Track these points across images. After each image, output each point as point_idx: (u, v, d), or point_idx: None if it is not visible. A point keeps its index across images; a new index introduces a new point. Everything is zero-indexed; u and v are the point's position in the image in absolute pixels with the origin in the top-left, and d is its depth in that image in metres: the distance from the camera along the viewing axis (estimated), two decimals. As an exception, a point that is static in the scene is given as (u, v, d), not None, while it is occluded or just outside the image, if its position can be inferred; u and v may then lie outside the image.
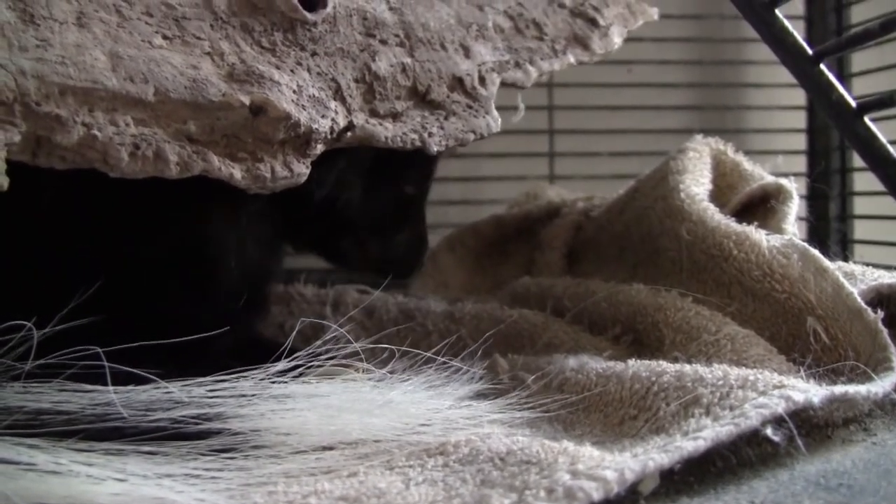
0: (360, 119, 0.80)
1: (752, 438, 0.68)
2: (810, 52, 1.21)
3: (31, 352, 0.68)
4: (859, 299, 0.87)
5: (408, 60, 0.85)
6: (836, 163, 1.75)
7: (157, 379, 0.70)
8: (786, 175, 1.15)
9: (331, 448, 0.69)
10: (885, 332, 0.84)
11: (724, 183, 1.18)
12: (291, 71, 0.77)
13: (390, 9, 0.86)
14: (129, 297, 0.82)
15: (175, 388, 0.70)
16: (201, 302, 0.89)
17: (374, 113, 0.82)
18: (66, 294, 0.74)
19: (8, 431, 0.64)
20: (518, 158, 1.78)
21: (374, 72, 0.82)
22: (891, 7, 1.22)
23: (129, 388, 0.69)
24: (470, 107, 0.89)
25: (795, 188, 1.12)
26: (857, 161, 1.47)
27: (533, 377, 0.87)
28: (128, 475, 0.61)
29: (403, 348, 0.82)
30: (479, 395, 0.79)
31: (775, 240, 0.95)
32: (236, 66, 0.74)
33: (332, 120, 0.78)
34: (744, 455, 0.69)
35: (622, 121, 1.79)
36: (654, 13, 1.13)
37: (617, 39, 1.05)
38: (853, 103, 1.19)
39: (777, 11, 1.22)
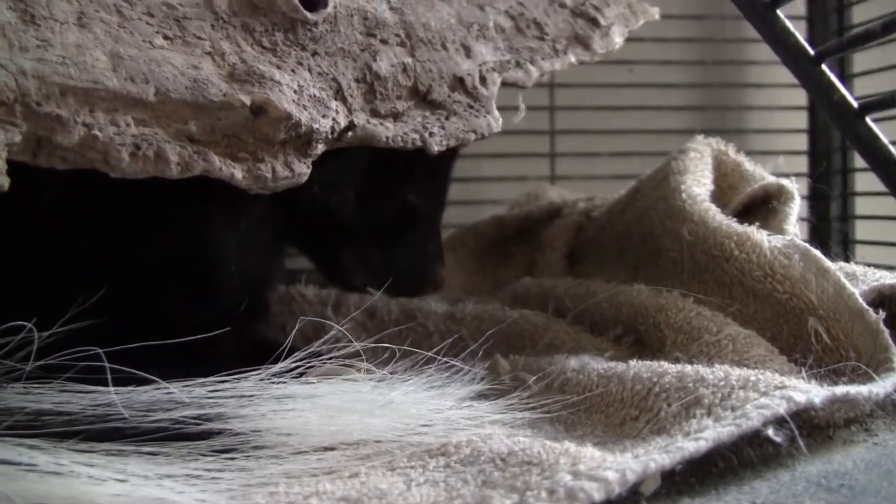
0: (361, 119, 0.80)
1: (754, 439, 0.68)
2: (812, 52, 1.22)
3: (32, 353, 0.68)
4: (861, 300, 0.87)
5: (409, 60, 0.85)
6: (838, 163, 1.75)
7: (157, 379, 0.70)
8: (787, 175, 1.15)
9: (332, 448, 0.69)
10: (886, 332, 0.84)
11: (726, 183, 1.18)
12: (292, 71, 0.77)
13: (391, 8, 0.86)
14: (129, 299, 0.82)
15: (176, 389, 0.70)
16: (202, 304, 0.89)
17: (375, 113, 0.82)
18: (68, 295, 0.74)
19: (9, 432, 0.64)
20: (519, 159, 1.78)
21: (374, 72, 0.82)
22: (892, 7, 1.22)
23: (130, 388, 0.69)
24: (471, 106, 0.89)
25: (797, 189, 1.12)
26: (859, 161, 1.47)
27: (534, 378, 0.87)
28: (129, 476, 0.61)
29: (405, 348, 0.82)
30: (481, 396, 0.79)
31: (777, 240, 0.95)
32: (237, 66, 0.74)
33: (333, 120, 0.78)
34: (745, 456, 0.69)
35: (623, 121, 1.79)
36: (655, 13, 1.13)
37: (618, 39, 1.05)
38: (854, 104, 1.19)
39: (778, 12, 1.22)
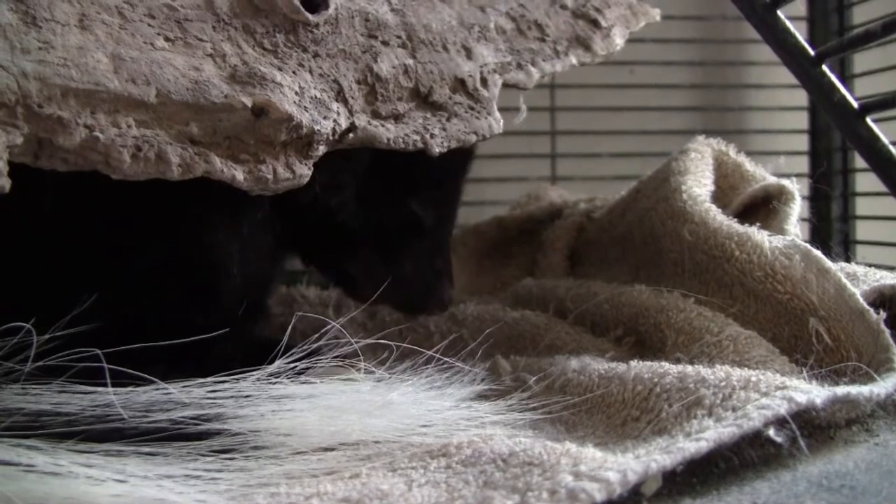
0: (362, 120, 0.80)
1: (755, 439, 0.68)
2: (812, 53, 1.22)
3: (31, 354, 0.68)
4: (861, 300, 0.87)
5: (410, 62, 0.85)
6: (838, 164, 1.75)
7: (156, 380, 0.70)
8: (788, 176, 1.15)
9: (331, 449, 0.69)
10: (887, 332, 0.84)
11: (727, 184, 1.18)
12: (293, 72, 0.77)
13: (392, 10, 0.86)
14: (128, 300, 0.82)
15: (175, 390, 0.70)
16: (201, 306, 0.89)
17: (376, 114, 0.82)
18: (68, 297, 0.74)
19: (8, 433, 0.64)
20: (520, 160, 1.78)
21: (376, 73, 0.82)
22: (893, 8, 1.22)
23: (129, 389, 0.69)
24: (472, 108, 0.88)
25: (797, 189, 1.12)
26: (859, 162, 1.47)
27: (535, 378, 0.87)
28: (128, 476, 0.62)
29: (403, 345, 0.82)
30: (481, 397, 0.79)
31: (777, 241, 0.95)
32: (238, 67, 0.74)
33: (334, 121, 0.78)
34: (746, 456, 0.69)
35: (624, 122, 1.79)
36: (656, 14, 1.13)
37: (619, 40, 1.05)
38: (855, 104, 1.19)
39: (779, 12, 1.22)
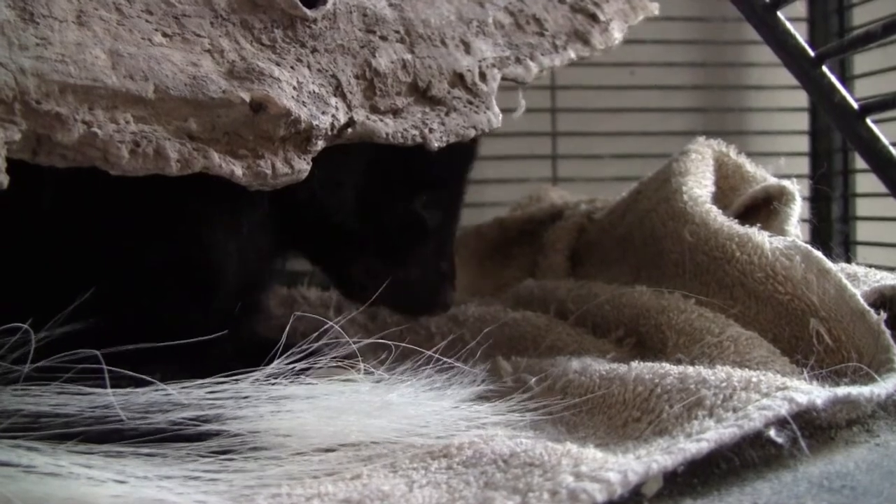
0: (360, 115, 0.80)
1: (756, 440, 0.68)
2: (812, 54, 1.21)
3: (30, 355, 0.68)
4: (862, 301, 0.86)
5: (408, 56, 0.85)
6: (839, 164, 1.75)
7: (155, 381, 0.70)
8: (788, 177, 1.14)
9: (331, 450, 0.69)
10: (887, 333, 0.84)
11: (727, 185, 1.18)
12: (292, 67, 0.77)
13: (390, 5, 0.86)
14: (122, 299, 0.82)
15: (174, 391, 0.70)
16: (196, 306, 0.89)
17: (374, 109, 0.82)
18: (65, 296, 0.74)
19: (7, 434, 0.64)
20: (521, 161, 1.78)
21: (374, 68, 0.82)
22: (893, 9, 1.22)
23: (128, 390, 0.69)
24: (471, 102, 0.88)
25: (798, 190, 1.12)
26: (860, 163, 1.47)
27: (536, 379, 0.87)
28: (128, 477, 0.61)
29: (403, 345, 0.82)
30: (482, 398, 0.79)
31: (778, 242, 0.95)
32: (236, 63, 0.73)
33: (333, 116, 0.78)
34: (747, 457, 0.68)
35: (625, 123, 1.79)
36: (655, 8, 1.12)
37: (617, 35, 1.04)
38: (855, 105, 1.19)
39: (779, 13, 1.22)
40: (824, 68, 1.21)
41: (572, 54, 0.99)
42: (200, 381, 0.71)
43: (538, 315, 1.08)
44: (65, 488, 0.60)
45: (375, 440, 0.70)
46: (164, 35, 0.72)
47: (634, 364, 0.81)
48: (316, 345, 0.78)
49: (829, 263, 0.90)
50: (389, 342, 0.84)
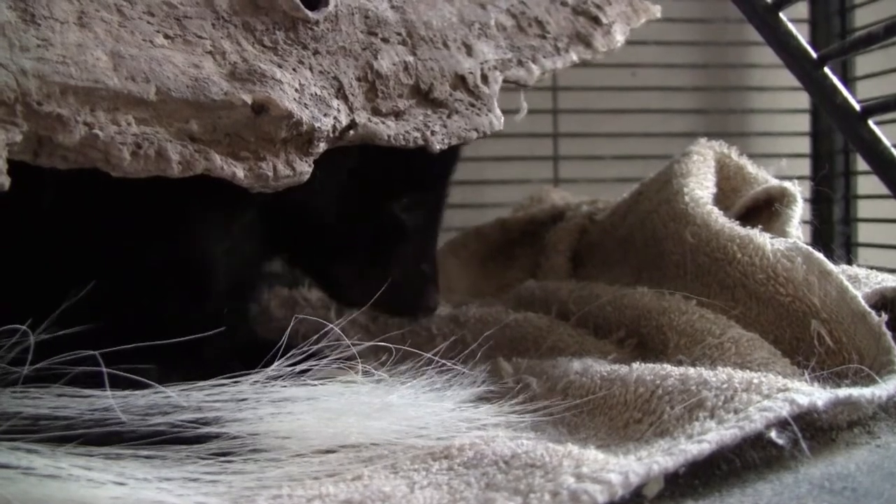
0: (362, 117, 0.80)
1: (757, 442, 0.68)
2: (814, 55, 1.22)
3: (29, 356, 0.68)
4: (863, 302, 0.86)
5: (410, 59, 0.85)
6: (840, 166, 1.75)
7: (153, 384, 0.69)
8: (790, 178, 1.14)
9: (331, 451, 0.69)
10: (889, 335, 0.84)
11: (729, 186, 1.18)
12: (293, 69, 0.76)
13: (392, 7, 0.86)
14: (115, 300, 0.82)
15: (173, 393, 0.70)
16: (188, 306, 0.89)
17: (376, 111, 0.82)
18: (50, 297, 0.74)
19: (6, 436, 0.64)
20: (522, 162, 1.79)
21: (376, 70, 0.82)
22: (895, 10, 1.22)
23: (127, 392, 0.69)
24: (472, 105, 0.88)
25: (799, 191, 1.11)
26: (861, 164, 1.47)
27: (537, 380, 0.87)
28: (127, 479, 0.61)
29: (403, 348, 0.82)
30: (483, 399, 0.79)
31: (779, 243, 0.95)
32: (238, 65, 0.73)
33: (335, 118, 0.78)
34: (748, 458, 0.68)
35: (626, 124, 1.80)
36: (657, 11, 1.12)
37: (619, 37, 1.04)
38: (857, 106, 1.19)
39: (781, 15, 1.23)
40: (826, 70, 1.21)
41: (574, 56, 0.99)
42: (200, 384, 0.71)
43: (539, 316, 1.08)
44: (64, 490, 0.60)
45: (375, 442, 0.70)
46: (166, 37, 0.71)
47: (636, 365, 0.81)
48: (316, 347, 0.78)
49: (830, 265, 0.90)
50: (390, 344, 0.84)
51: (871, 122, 1.18)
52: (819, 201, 1.70)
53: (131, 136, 0.67)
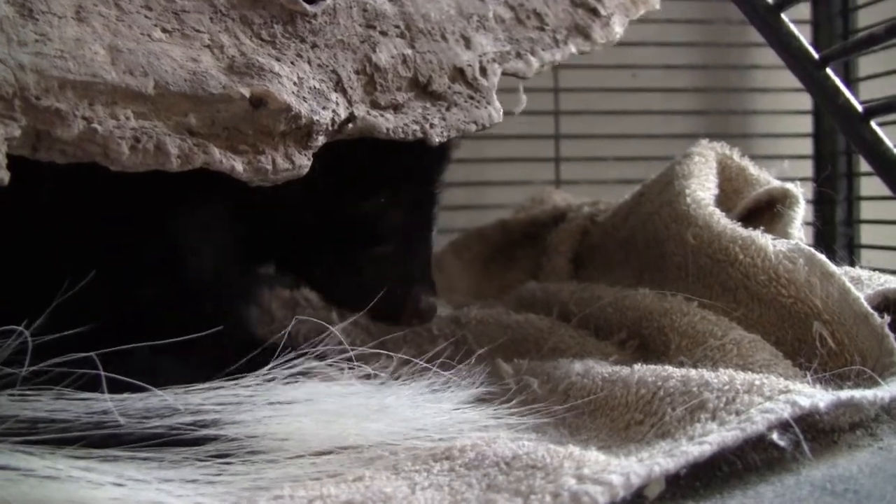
0: (361, 110, 0.80)
1: (758, 443, 0.68)
2: (816, 56, 1.21)
3: (28, 357, 0.67)
4: (866, 304, 0.86)
5: (408, 52, 0.85)
6: (843, 167, 1.75)
7: (151, 388, 0.69)
8: (792, 180, 1.14)
9: (329, 452, 0.69)
10: (891, 336, 0.84)
11: (730, 188, 1.18)
12: (292, 63, 0.77)
13: (390, 0, 0.86)
14: (106, 297, 0.81)
15: (170, 396, 0.69)
16: (177, 306, 0.88)
17: (375, 104, 0.82)
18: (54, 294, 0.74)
19: (5, 438, 0.64)
20: (524, 163, 1.79)
21: (374, 63, 0.82)
22: (898, 11, 1.22)
23: (125, 395, 0.68)
24: (471, 97, 0.88)
25: (802, 193, 1.11)
26: (864, 165, 1.46)
27: (539, 382, 0.87)
28: (126, 480, 0.61)
29: (401, 354, 0.82)
30: (483, 400, 0.79)
31: (781, 244, 0.95)
32: (236, 58, 0.73)
33: (334, 111, 0.78)
34: (750, 460, 0.68)
35: (628, 125, 1.80)
36: (656, 2, 1.12)
37: (618, 29, 1.04)
38: (859, 107, 1.19)
39: (783, 16, 1.22)
40: (828, 71, 1.21)
41: (573, 49, 0.99)
42: (197, 386, 0.71)
43: (541, 317, 1.08)
44: (63, 491, 0.60)
45: (373, 443, 0.70)
46: (164, 31, 0.72)
47: (637, 367, 0.81)
48: (315, 349, 0.78)
49: (832, 267, 0.90)
50: (394, 346, 0.84)
51: (873, 124, 1.17)
52: (821, 203, 1.70)
53: (130, 130, 0.67)
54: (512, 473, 0.63)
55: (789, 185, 1.12)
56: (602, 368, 0.85)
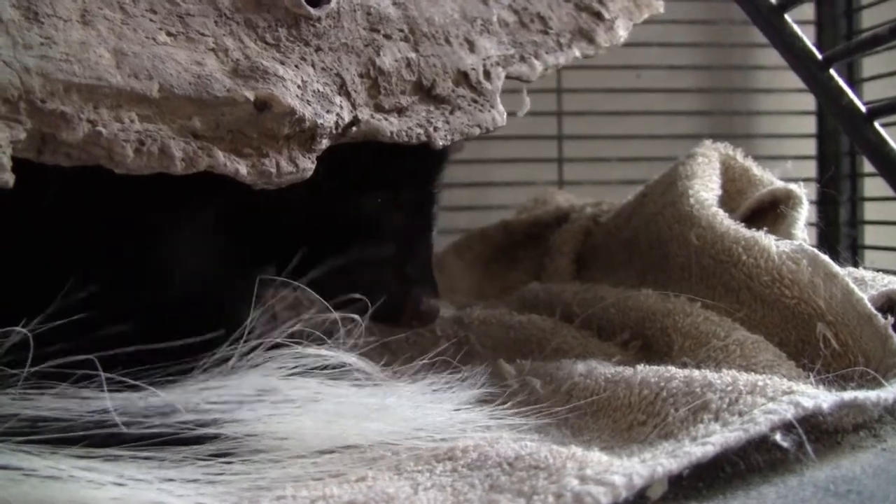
0: (365, 114, 0.80)
1: (762, 444, 0.68)
2: (820, 56, 1.21)
3: (28, 358, 0.68)
4: (869, 305, 0.86)
5: (412, 55, 0.85)
6: (846, 168, 1.75)
7: (150, 388, 0.69)
8: (795, 180, 1.14)
9: (329, 452, 0.69)
10: (895, 337, 0.83)
11: (734, 188, 1.18)
12: (296, 66, 0.77)
13: (394, 3, 0.86)
14: (111, 300, 0.81)
15: (170, 396, 0.70)
16: (176, 308, 0.88)
17: (379, 108, 0.82)
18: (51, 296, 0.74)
19: (6, 438, 0.64)
20: (527, 164, 1.79)
21: (378, 67, 0.82)
22: (901, 12, 1.22)
23: (125, 395, 0.68)
24: (475, 101, 0.88)
25: (805, 193, 1.11)
26: (867, 166, 1.46)
27: (541, 382, 0.87)
28: (127, 479, 0.62)
29: (405, 355, 0.82)
30: (485, 401, 0.79)
31: (785, 245, 0.94)
32: (241, 61, 0.74)
33: (338, 115, 0.78)
34: (753, 461, 0.68)
35: (631, 126, 1.80)
36: (660, 6, 1.12)
37: (622, 33, 1.04)
38: (863, 108, 1.18)
39: (786, 16, 1.22)
40: (832, 71, 1.21)
41: (577, 52, 0.99)
42: (197, 385, 0.71)
43: (544, 318, 1.08)
44: (65, 491, 0.60)
45: (374, 443, 0.70)
46: (169, 34, 0.72)
47: (640, 367, 0.81)
48: (316, 349, 0.78)
49: (836, 267, 0.90)
50: (396, 347, 0.84)
51: (877, 124, 1.17)
52: (825, 203, 1.70)
53: (134, 133, 0.67)
54: (514, 474, 0.63)
55: (793, 186, 1.12)
56: (605, 369, 0.85)
